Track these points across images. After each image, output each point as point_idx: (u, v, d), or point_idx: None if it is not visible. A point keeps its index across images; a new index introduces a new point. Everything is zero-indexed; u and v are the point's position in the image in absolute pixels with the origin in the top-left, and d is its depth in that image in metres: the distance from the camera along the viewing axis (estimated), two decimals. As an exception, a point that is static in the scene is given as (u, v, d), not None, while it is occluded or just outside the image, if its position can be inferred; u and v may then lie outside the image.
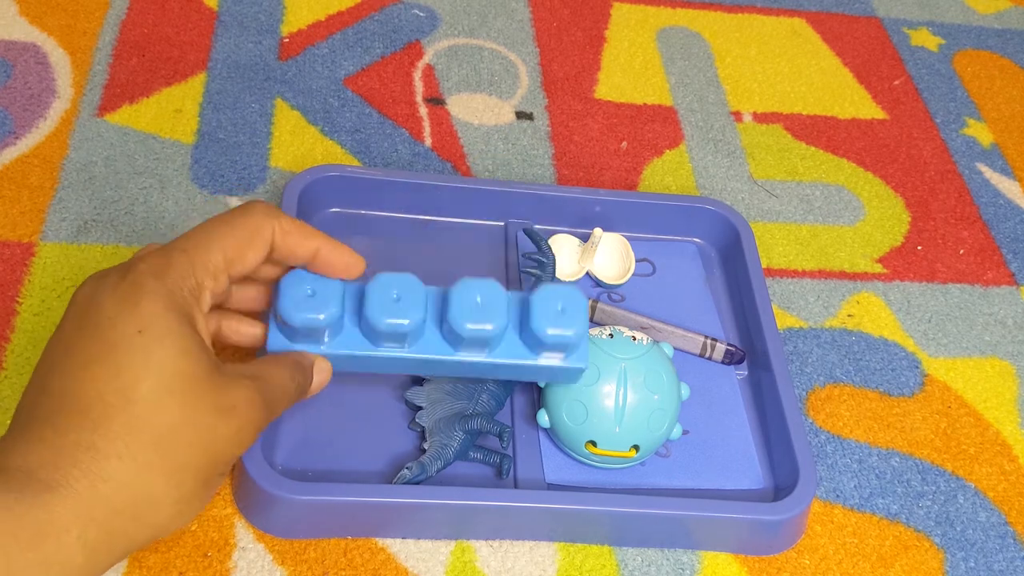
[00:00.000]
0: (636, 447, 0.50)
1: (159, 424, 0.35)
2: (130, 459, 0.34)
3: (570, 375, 0.47)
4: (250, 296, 0.46)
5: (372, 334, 0.44)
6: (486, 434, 0.51)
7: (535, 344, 0.45)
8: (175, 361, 0.36)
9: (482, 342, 0.45)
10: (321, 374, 0.44)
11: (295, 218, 0.42)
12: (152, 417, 0.35)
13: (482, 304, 0.44)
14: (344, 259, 0.43)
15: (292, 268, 0.44)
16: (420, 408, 0.52)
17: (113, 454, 0.34)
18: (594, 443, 0.50)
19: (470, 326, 0.44)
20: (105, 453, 0.34)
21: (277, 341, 0.44)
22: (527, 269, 0.56)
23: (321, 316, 0.43)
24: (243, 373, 0.39)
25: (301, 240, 0.42)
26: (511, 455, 0.52)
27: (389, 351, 0.45)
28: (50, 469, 0.33)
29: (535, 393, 0.55)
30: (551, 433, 0.52)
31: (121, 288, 0.37)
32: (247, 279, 0.44)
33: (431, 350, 0.45)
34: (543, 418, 0.51)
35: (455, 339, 0.45)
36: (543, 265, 0.56)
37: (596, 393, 0.49)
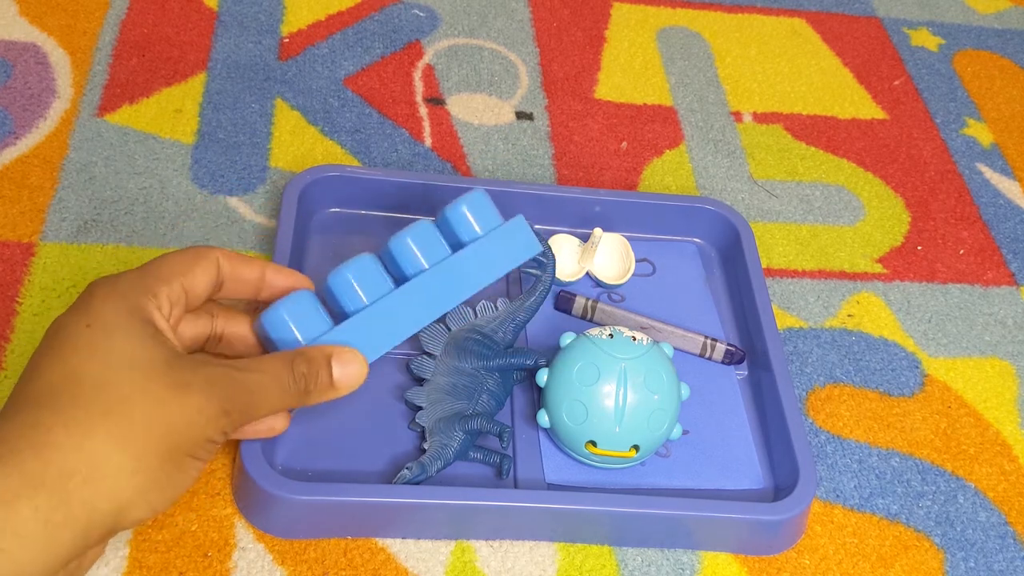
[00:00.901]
0: (636, 447, 0.50)
1: (108, 398, 0.35)
2: (75, 426, 0.34)
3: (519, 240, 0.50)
4: (241, 333, 0.46)
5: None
6: (486, 434, 0.51)
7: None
8: (124, 348, 0.37)
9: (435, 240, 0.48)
10: (347, 366, 0.43)
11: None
12: (100, 393, 0.35)
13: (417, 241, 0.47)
14: (289, 281, 0.45)
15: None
16: (420, 408, 0.52)
17: (59, 424, 0.34)
18: (594, 443, 0.50)
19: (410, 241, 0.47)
20: (49, 425, 0.34)
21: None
22: (527, 269, 0.56)
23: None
24: (213, 361, 0.39)
25: (245, 263, 0.44)
26: (511, 455, 0.52)
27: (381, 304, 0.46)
28: (2, 448, 0.33)
29: (535, 393, 0.55)
30: (551, 433, 0.52)
31: (77, 304, 0.39)
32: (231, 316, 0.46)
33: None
34: (543, 418, 0.51)
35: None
36: (543, 265, 0.56)
37: (596, 393, 0.49)
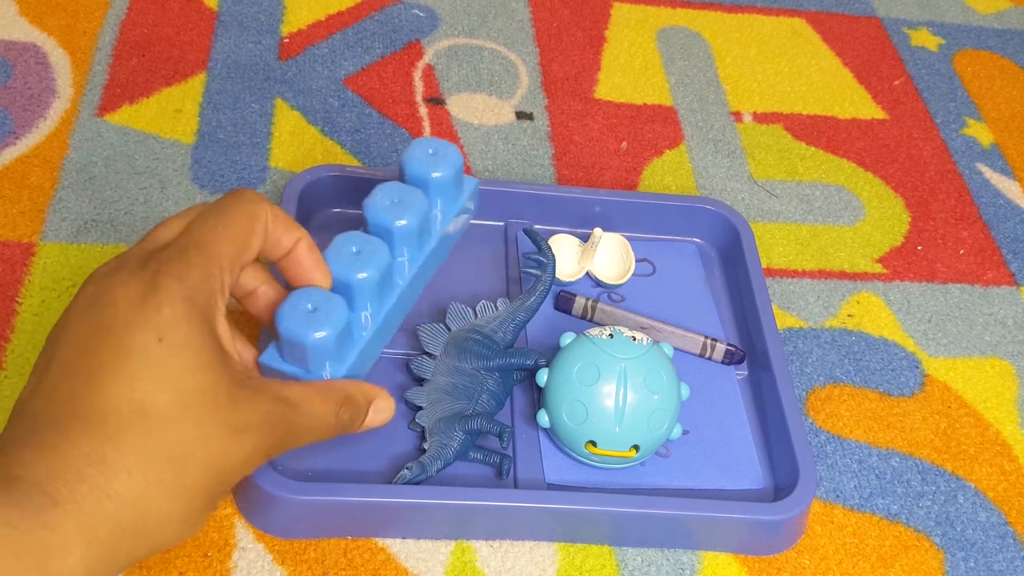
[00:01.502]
0: (636, 447, 0.50)
1: (172, 442, 0.33)
2: (140, 476, 0.32)
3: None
4: (269, 296, 0.43)
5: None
6: (486, 434, 0.51)
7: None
8: (194, 375, 0.34)
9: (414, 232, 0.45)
10: (381, 413, 0.42)
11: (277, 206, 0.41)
12: (166, 434, 0.33)
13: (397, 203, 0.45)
14: (313, 270, 0.41)
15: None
16: (420, 408, 0.52)
17: (123, 470, 0.32)
18: (594, 443, 0.50)
19: (398, 223, 0.44)
20: (115, 468, 0.32)
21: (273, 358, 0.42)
22: (527, 269, 0.56)
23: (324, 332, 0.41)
24: (269, 392, 0.37)
25: (286, 230, 0.40)
26: (511, 455, 0.52)
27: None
28: (57, 483, 0.31)
29: (535, 393, 0.55)
30: (551, 433, 0.52)
31: (137, 289, 0.34)
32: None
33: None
34: (543, 418, 0.51)
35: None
36: (543, 265, 0.56)
37: (596, 393, 0.49)
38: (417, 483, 0.49)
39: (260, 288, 0.42)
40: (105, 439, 0.32)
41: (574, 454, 0.51)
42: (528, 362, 0.53)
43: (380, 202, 0.45)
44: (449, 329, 0.54)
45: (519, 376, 0.54)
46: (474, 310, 0.55)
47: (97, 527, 0.31)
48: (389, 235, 0.45)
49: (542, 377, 0.51)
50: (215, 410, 0.34)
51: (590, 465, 0.52)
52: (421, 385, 0.53)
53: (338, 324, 0.40)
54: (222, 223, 0.38)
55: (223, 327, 0.37)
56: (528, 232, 0.57)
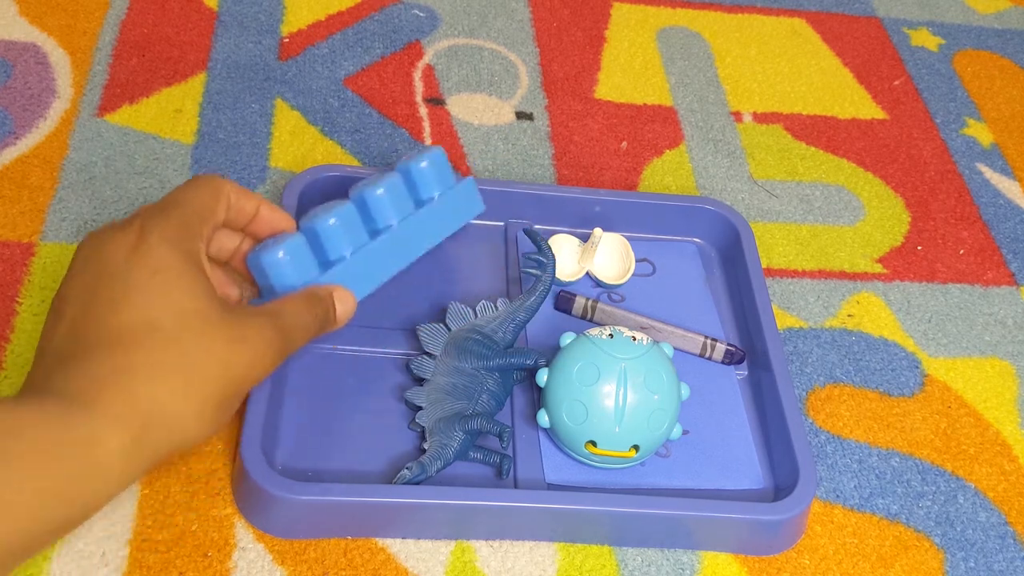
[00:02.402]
0: (636, 447, 0.50)
1: (178, 353, 0.39)
2: (156, 381, 0.38)
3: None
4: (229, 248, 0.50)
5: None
6: (486, 434, 0.51)
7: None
8: (189, 299, 0.40)
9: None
10: (344, 303, 0.48)
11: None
12: (172, 346, 0.39)
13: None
14: (278, 218, 0.49)
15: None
16: (420, 408, 0.52)
17: (142, 375, 0.38)
18: (594, 443, 0.50)
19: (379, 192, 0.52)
20: (136, 375, 0.38)
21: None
22: (527, 269, 0.56)
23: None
24: (256, 311, 0.43)
25: (247, 197, 0.47)
26: (511, 455, 0.52)
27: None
28: (91, 391, 0.37)
29: (535, 393, 0.55)
30: (551, 433, 0.52)
31: (129, 239, 0.41)
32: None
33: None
34: (543, 418, 0.51)
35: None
36: (543, 265, 0.56)
37: (596, 393, 0.49)
38: (417, 483, 0.49)
39: (241, 245, 0.49)
40: (124, 353, 0.38)
41: (574, 454, 0.51)
42: (528, 362, 0.53)
43: (360, 183, 0.53)
44: (449, 329, 0.54)
45: (519, 376, 0.54)
46: (474, 310, 0.55)
47: (127, 421, 0.37)
48: (363, 202, 0.52)
49: (542, 377, 0.51)
50: (211, 326, 0.40)
51: (590, 465, 0.52)
52: (421, 385, 0.53)
53: (291, 246, 0.47)
54: (191, 189, 0.45)
55: (208, 268, 0.43)
56: (528, 232, 0.57)
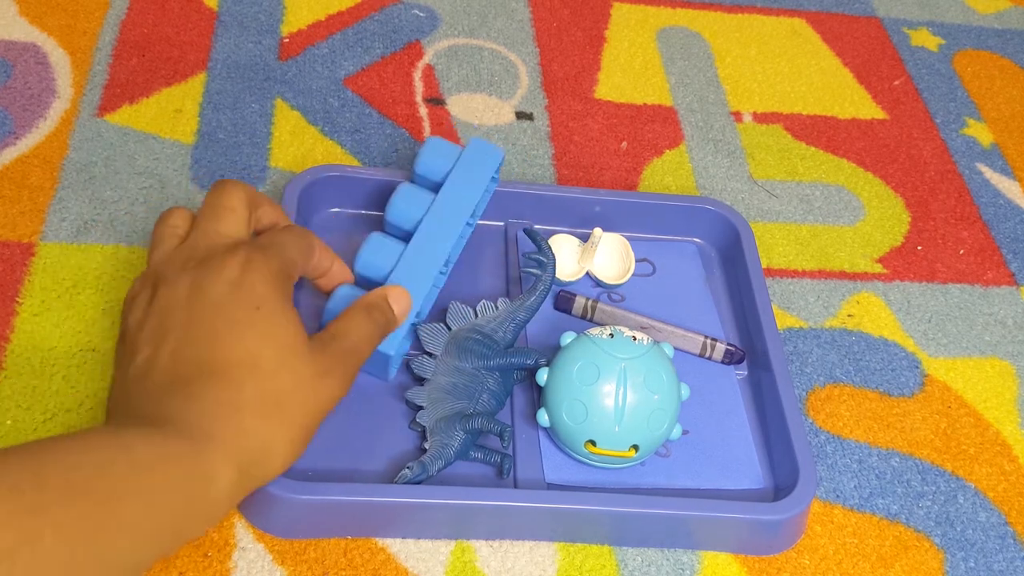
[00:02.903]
0: (635, 447, 0.50)
1: (277, 387, 0.41)
2: (261, 416, 0.40)
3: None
4: None
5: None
6: (487, 433, 0.51)
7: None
8: (285, 334, 0.42)
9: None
10: (399, 302, 0.50)
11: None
12: (272, 382, 0.41)
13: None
14: (346, 271, 0.53)
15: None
16: (421, 408, 0.52)
17: (247, 410, 0.40)
18: (593, 442, 0.50)
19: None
20: (242, 409, 0.40)
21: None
22: (527, 269, 0.56)
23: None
24: (328, 338, 0.45)
25: (327, 255, 0.51)
26: (512, 455, 0.52)
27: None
28: (204, 422, 0.39)
29: (535, 393, 0.55)
30: (551, 432, 0.52)
31: (231, 274, 0.43)
32: None
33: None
34: (543, 417, 0.51)
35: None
36: (543, 265, 0.56)
37: (596, 392, 0.49)
38: (418, 483, 0.49)
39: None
40: (231, 386, 0.40)
41: (573, 453, 0.51)
42: (529, 362, 0.53)
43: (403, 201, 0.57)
44: (449, 329, 0.54)
45: (519, 376, 0.54)
46: (474, 310, 0.55)
47: (236, 456, 0.39)
48: (392, 223, 0.57)
49: (542, 376, 0.51)
50: (303, 362, 0.42)
51: (590, 465, 0.52)
52: (422, 385, 0.53)
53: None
54: (289, 235, 0.48)
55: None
56: (528, 232, 0.57)
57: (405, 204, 0.56)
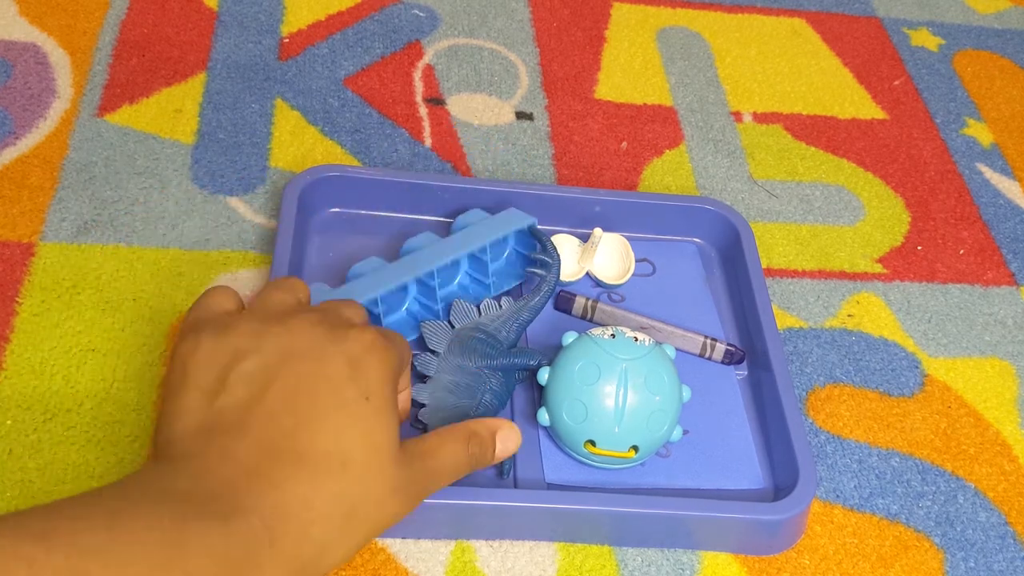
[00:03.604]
0: (635, 448, 0.50)
1: (355, 496, 0.37)
2: (329, 523, 0.36)
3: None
4: None
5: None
6: None
7: None
8: (384, 435, 0.38)
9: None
10: (506, 443, 0.46)
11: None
12: (353, 488, 0.37)
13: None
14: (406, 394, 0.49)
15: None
16: (423, 406, 0.52)
17: (320, 515, 0.36)
18: (593, 443, 0.50)
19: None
20: (315, 513, 0.36)
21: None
22: (532, 269, 0.56)
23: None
24: (417, 453, 0.41)
25: (406, 373, 0.46)
26: (512, 460, 0.52)
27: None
28: (276, 522, 0.34)
29: (535, 392, 0.55)
30: (550, 431, 0.52)
31: (351, 353, 0.39)
32: None
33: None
34: (543, 416, 0.51)
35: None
36: (547, 265, 0.56)
37: (596, 393, 0.49)
38: None
39: None
40: (313, 482, 0.36)
41: (573, 453, 0.51)
42: (531, 362, 0.53)
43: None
44: (452, 327, 0.54)
45: (521, 376, 0.54)
46: (478, 308, 0.55)
47: (291, 563, 0.35)
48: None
49: (543, 375, 0.51)
50: (387, 472, 0.38)
51: (590, 465, 0.52)
52: (424, 382, 0.53)
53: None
54: (403, 343, 0.44)
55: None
56: (533, 231, 0.57)
57: (418, 241, 0.57)
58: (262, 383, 0.37)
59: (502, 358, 0.52)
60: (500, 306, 0.55)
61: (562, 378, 0.50)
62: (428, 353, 0.53)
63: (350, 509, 0.37)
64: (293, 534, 0.35)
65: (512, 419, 0.53)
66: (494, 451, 0.45)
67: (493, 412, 0.52)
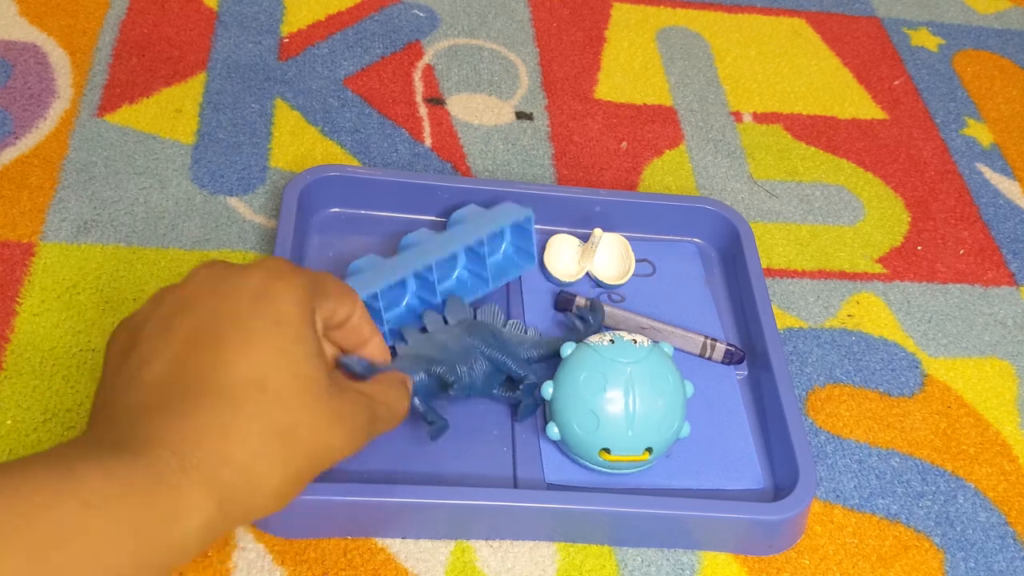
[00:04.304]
0: (649, 449, 0.50)
1: (282, 419, 0.36)
2: (252, 446, 0.35)
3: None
4: None
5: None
6: (443, 392, 0.50)
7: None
8: (304, 362, 0.37)
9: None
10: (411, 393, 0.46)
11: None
12: (277, 411, 0.36)
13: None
14: (383, 357, 0.46)
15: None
16: (404, 342, 0.51)
17: (239, 438, 0.35)
18: (608, 450, 0.49)
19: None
20: (233, 437, 0.35)
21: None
22: (571, 316, 0.56)
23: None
24: (354, 387, 0.41)
25: (369, 326, 0.45)
26: (449, 425, 0.51)
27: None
28: (185, 447, 0.34)
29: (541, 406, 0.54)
30: (561, 444, 0.51)
31: (254, 282, 0.38)
32: None
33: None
34: (552, 430, 0.51)
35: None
36: (586, 324, 0.56)
37: (606, 401, 0.49)
38: (357, 375, 0.47)
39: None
40: (227, 409, 0.35)
41: (587, 463, 0.51)
42: (521, 372, 0.52)
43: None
44: (447, 322, 0.54)
45: (501, 389, 0.53)
46: (504, 323, 0.55)
47: (214, 491, 0.34)
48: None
49: (547, 390, 0.51)
50: (317, 397, 0.37)
51: (600, 471, 0.51)
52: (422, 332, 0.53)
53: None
54: (331, 278, 0.42)
55: (319, 332, 0.41)
56: (593, 303, 0.57)
57: (416, 237, 0.57)
58: (166, 336, 0.37)
59: (499, 351, 0.52)
60: (526, 332, 0.55)
61: (568, 390, 0.50)
62: (440, 316, 0.53)
63: (278, 434, 0.36)
64: (210, 459, 0.34)
65: (511, 420, 0.53)
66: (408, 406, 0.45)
67: (461, 389, 0.51)
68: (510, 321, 0.55)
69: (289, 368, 0.36)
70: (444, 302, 0.55)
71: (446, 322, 0.54)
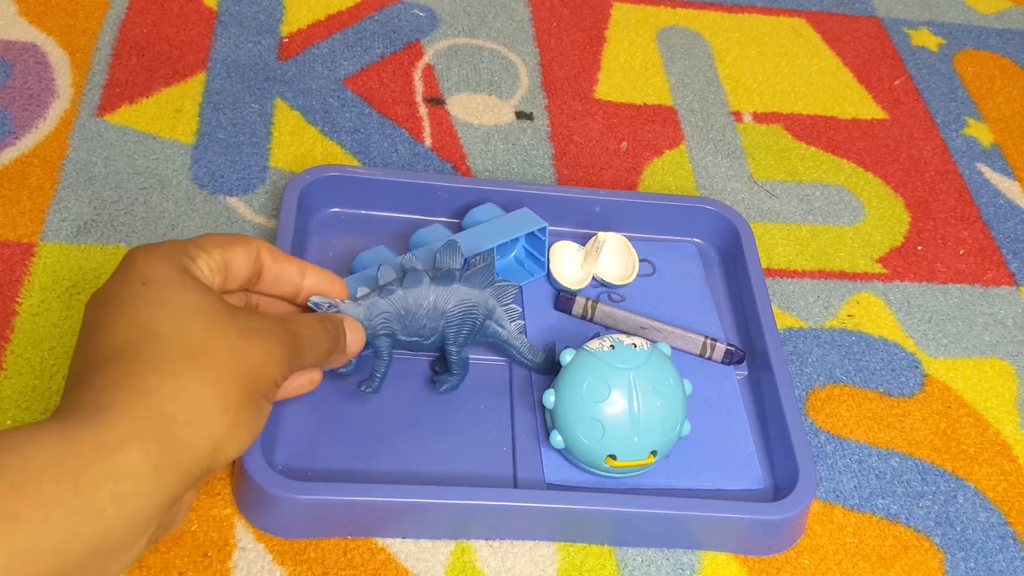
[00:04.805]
0: (654, 452, 0.50)
1: (187, 342, 0.36)
2: (168, 374, 0.35)
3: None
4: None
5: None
6: (391, 315, 0.49)
7: None
8: (186, 299, 0.38)
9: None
10: (354, 331, 0.47)
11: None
12: (179, 341, 0.36)
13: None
14: (328, 286, 0.47)
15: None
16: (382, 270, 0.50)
17: (152, 372, 0.35)
18: (614, 456, 0.49)
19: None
20: (143, 374, 0.35)
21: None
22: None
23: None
24: (266, 311, 0.42)
25: (287, 259, 0.45)
26: (384, 376, 0.51)
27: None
28: (102, 400, 0.34)
29: (540, 414, 0.54)
30: (566, 452, 0.51)
31: (117, 271, 0.40)
32: None
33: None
34: (556, 439, 0.50)
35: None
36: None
37: (610, 408, 0.49)
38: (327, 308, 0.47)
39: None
40: (130, 361, 0.36)
41: (592, 470, 0.51)
42: (508, 340, 0.53)
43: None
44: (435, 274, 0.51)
45: (477, 325, 0.52)
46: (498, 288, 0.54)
47: (146, 418, 0.34)
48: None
49: (549, 398, 0.51)
50: (218, 319, 0.38)
51: (605, 477, 0.51)
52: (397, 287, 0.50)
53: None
54: (207, 234, 0.43)
55: (203, 279, 0.41)
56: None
57: (428, 233, 0.57)
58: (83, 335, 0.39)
59: (489, 287, 0.51)
60: (522, 317, 0.55)
61: (571, 399, 0.50)
62: (424, 272, 0.51)
63: (191, 354, 0.36)
64: (130, 399, 0.34)
65: (511, 420, 0.53)
66: (346, 340, 0.46)
67: (420, 337, 0.51)
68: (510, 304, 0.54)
69: (172, 307, 0.37)
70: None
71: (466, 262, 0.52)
